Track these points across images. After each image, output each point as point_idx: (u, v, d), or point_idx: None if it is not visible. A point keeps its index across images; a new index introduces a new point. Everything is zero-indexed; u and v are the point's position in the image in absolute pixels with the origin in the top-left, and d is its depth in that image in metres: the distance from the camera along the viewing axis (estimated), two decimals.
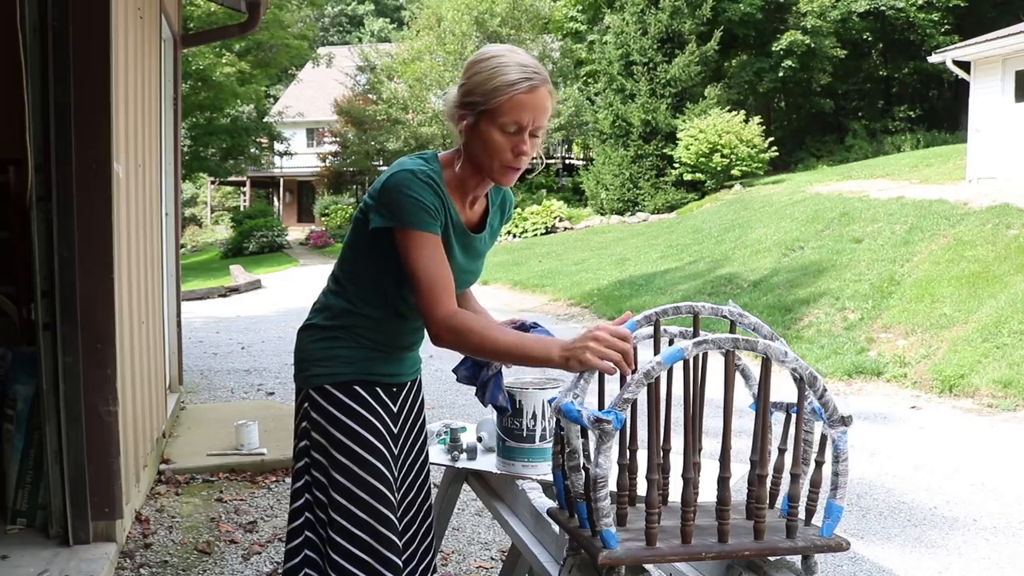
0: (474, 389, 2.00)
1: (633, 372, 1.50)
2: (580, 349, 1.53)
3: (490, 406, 2.02)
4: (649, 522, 1.42)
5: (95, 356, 3.03)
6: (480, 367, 1.97)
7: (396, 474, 1.94)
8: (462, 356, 1.95)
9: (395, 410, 1.96)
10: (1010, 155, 12.91)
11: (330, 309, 1.91)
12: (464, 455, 2.34)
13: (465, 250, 1.87)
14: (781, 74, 23.60)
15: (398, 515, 1.91)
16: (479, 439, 2.36)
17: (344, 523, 1.83)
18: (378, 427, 1.89)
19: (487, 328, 1.70)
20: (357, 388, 1.88)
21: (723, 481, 1.45)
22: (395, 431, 1.95)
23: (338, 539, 1.83)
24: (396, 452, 1.95)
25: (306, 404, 1.90)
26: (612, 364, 1.52)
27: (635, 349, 1.67)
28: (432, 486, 2.14)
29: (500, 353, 1.69)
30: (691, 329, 1.69)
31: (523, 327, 1.93)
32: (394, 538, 1.85)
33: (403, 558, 1.93)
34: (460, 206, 1.84)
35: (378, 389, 1.91)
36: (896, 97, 26.47)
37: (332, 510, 1.84)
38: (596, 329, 1.55)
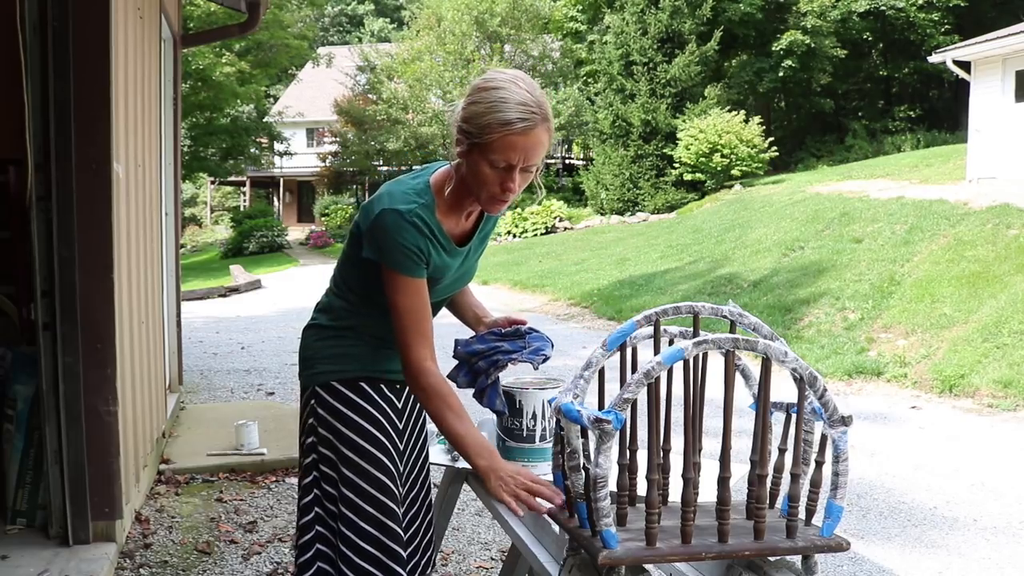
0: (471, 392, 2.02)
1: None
2: (499, 480, 1.71)
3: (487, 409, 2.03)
4: (649, 522, 1.42)
5: (95, 356, 3.02)
6: (478, 374, 1.99)
7: (401, 469, 1.97)
8: (458, 362, 2.00)
9: (399, 406, 1.99)
10: (1010, 155, 12.91)
11: (334, 310, 1.95)
12: None
13: (457, 261, 1.90)
14: (781, 74, 23.61)
15: (402, 510, 1.94)
16: None
17: (352, 517, 1.86)
18: (384, 423, 1.92)
19: (445, 407, 1.77)
20: (363, 385, 1.92)
21: (723, 481, 1.45)
22: (400, 427, 1.98)
23: (347, 532, 1.87)
24: (401, 448, 1.99)
25: (313, 401, 1.93)
26: (517, 505, 1.68)
27: (635, 349, 1.67)
28: (432, 485, 2.15)
29: (443, 429, 1.78)
30: (691, 329, 1.69)
31: (518, 333, 1.95)
32: (399, 531, 1.88)
33: (407, 551, 1.95)
34: (455, 222, 1.85)
35: (383, 386, 1.94)
36: (896, 97, 26.48)
37: (341, 504, 1.88)
38: (520, 473, 1.71)
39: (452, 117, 1.79)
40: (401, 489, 1.95)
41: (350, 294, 1.92)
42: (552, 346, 2.01)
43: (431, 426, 2.30)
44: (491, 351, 1.97)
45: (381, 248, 1.75)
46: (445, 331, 2.35)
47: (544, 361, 1.98)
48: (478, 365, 1.98)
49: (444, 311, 2.11)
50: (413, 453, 2.06)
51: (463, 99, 1.77)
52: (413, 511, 2.06)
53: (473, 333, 2.10)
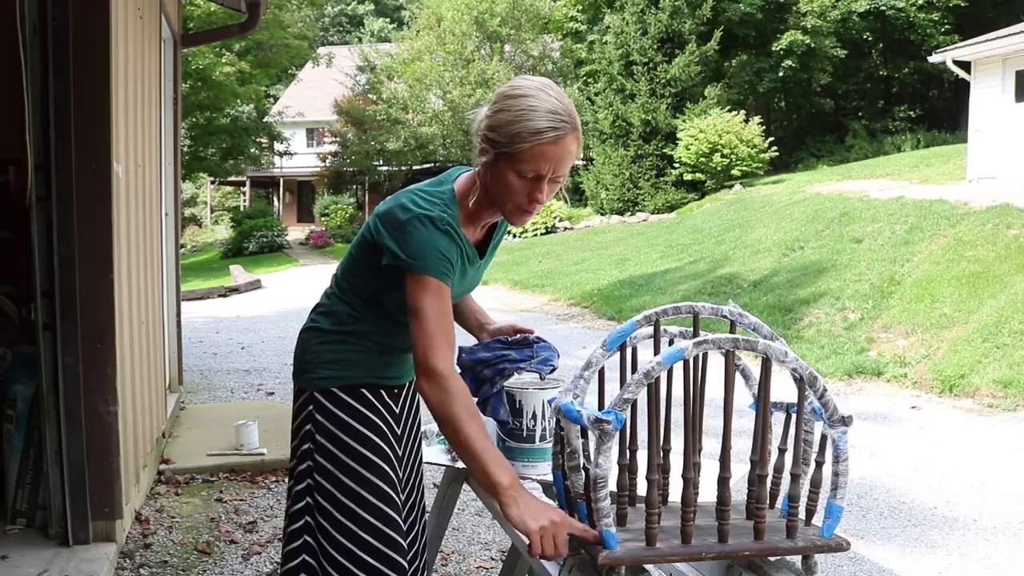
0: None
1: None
2: (535, 518, 1.49)
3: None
4: (649, 522, 1.42)
5: (95, 356, 3.02)
6: (482, 383, 1.97)
7: (401, 475, 1.95)
8: (461, 370, 1.95)
9: (397, 411, 1.96)
10: (1010, 155, 12.90)
11: (336, 315, 1.90)
12: None
13: (472, 271, 1.88)
14: (781, 74, 23.60)
15: (402, 516, 1.92)
16: None
17: (351, 526, 1.83)
18: (383, 430, 1.89)
19: (469, 414, 1.63)
20: (363, 391, 1.88)
21: (723, 481, 1.45)
22: (398, 433, 1.96)
23: (344, 542, 1.83)
24: (400, 453, 1.96)
25: (310, 407, 1.89)
26: (543, 549, 1.48)
27: (635, 349, 1.67)
28: (432, 485, 2.15)
29: (462, 446, 1.62)
30: (691, 329, 1.69)
31: (525, 342, 1.94)
32: (400, 540, 1.85)
33: (407, 558, 1.93)
34: (471, 232, 1.82)
35: (382, 392, 1.91)
36: (896, 97, 26.47)
37: (338, 513, 1.84)
38: (562, 518, 1.50)
39: (475, 125, 1.74)
40: (401, 496, 1.93)
41: (355, 299, 1.87)
42: (559, 356, 2.00)
43: (428, 427, 2.30)
44: (497, 360, 1.94)
45: (413, 254, 1.68)
46: None
47: (551, 372, 1.95)
48: (483, 373, 1.95)
49: None
50: (410, 459, 2.04)
51: (487, 106, 1.71)
52: (414, 516, 2.05)
53: (475, 340, 2.09)
